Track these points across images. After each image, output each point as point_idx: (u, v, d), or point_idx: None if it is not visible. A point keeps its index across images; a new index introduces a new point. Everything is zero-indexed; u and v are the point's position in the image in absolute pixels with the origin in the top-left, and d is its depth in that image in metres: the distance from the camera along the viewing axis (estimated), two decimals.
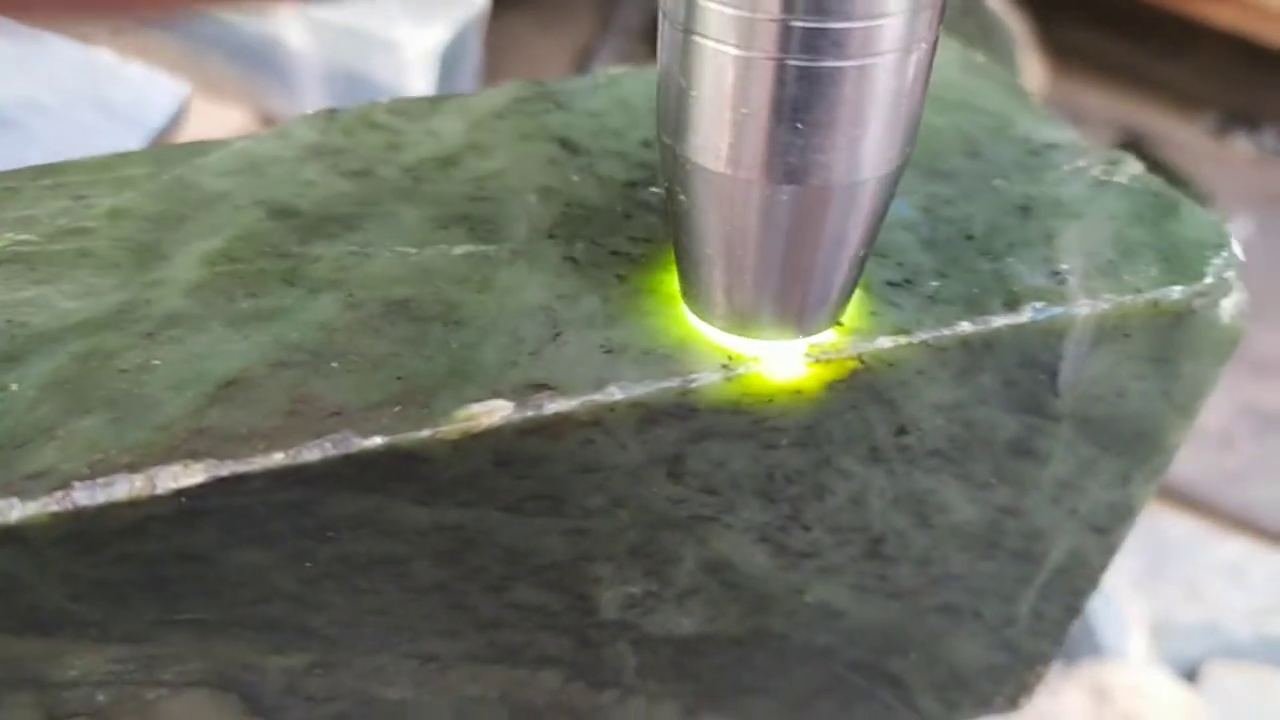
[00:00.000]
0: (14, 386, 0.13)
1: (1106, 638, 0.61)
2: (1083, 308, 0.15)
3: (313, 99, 0.54)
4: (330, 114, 0.19)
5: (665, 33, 0.12)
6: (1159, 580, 0.72)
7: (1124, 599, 0.65)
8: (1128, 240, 0.16)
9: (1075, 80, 1.29)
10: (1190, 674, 0.59)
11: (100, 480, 0.12)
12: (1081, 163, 0.18)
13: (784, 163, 0.12)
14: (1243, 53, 1.14)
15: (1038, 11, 1.19)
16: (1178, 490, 0.81)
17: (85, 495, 0.12)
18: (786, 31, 0.11)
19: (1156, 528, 0.77)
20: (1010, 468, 0.17)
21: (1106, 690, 0.49)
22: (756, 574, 0.17)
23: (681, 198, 0.13)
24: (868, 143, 0.12)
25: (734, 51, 0.11)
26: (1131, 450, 0.18)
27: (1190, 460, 0.85)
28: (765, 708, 0.19)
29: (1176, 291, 0.16)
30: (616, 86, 0.20)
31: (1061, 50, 1.26)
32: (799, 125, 0.12)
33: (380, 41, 0.51)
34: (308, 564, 0.14)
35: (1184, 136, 1.25)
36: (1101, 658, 0.54)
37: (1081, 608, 0.21)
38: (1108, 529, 0.19)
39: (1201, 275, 0.16)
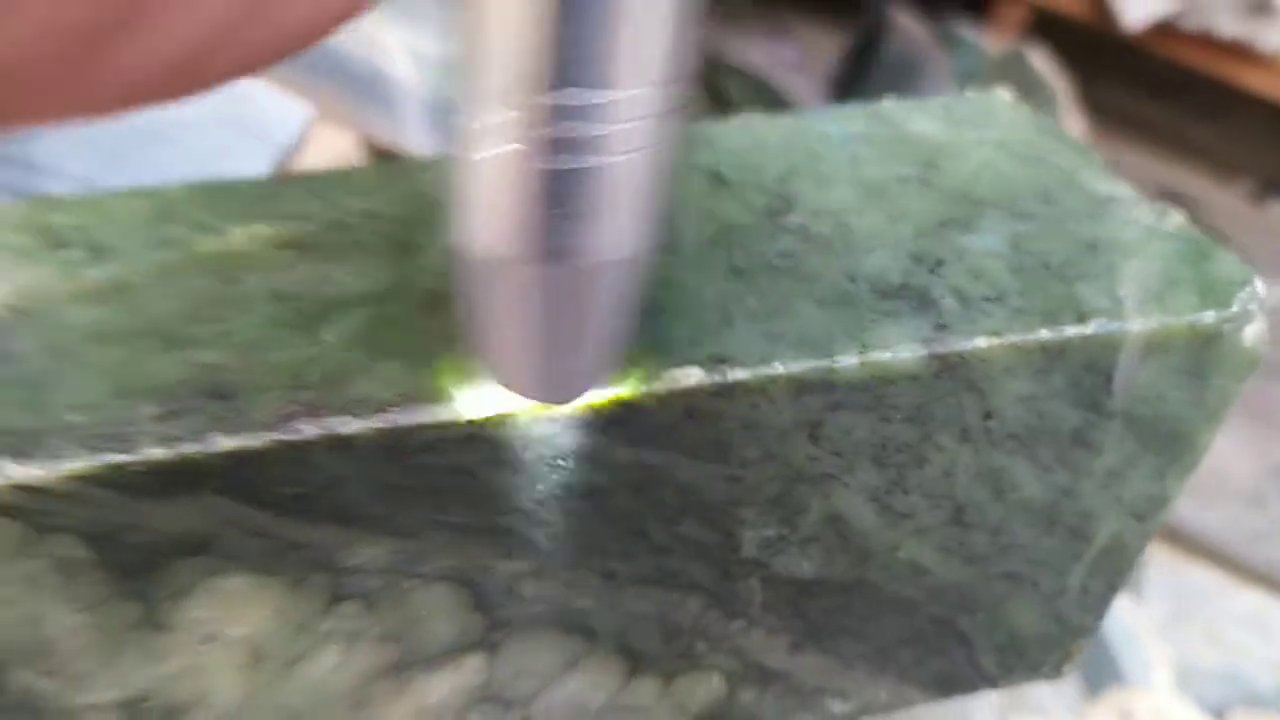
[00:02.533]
0: (328, 338, 0.18)
1: (1132, 673, 0.63)
2: (1136, 325, 0.19)
3: (414, 125, 0.59)
4: None
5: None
6: (1182, 625, 0.75)
7: (1149, 640, 0.67)
8: (1173, 275, 0.21)
9: (1115, 141, 1.33)
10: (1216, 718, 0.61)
11: (407, 407, 0.17)
12: (1136, 212, 0.22)
13: (533, 245, 0.13)
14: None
15: (1080, 72, 1.24)
16: (1205, 544, 0.84)
17: (398, 418, 0.16)
18: (532, 131, 0.13)
19: (1181, 577, 0.80)
20: (1070, 455, 0.21)
21: (1132, 714, 0.52)
22: (863, 529, 0.21)
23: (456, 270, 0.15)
24: (610, 229, 0.14)
25: (486, 150, 0.13)
26: (1168, 449, 0.22)
27: (1219, 516, 0.88)
28: (856, 650, 0.23)
29: (1209, 316, 0.20)
30: (752, 128, 0.25)
31: (1102, 111, 1.31)
32: (548, 213, 0.13)
33: None
34: (539, 486, 0.18)
35: (1221, 200, 1.28)
36: (1127, 687, 0.57)
37: (1120, 587, 0.24)
38: (1145, 516, 0.23)
39: (1229, 304, 0.20)
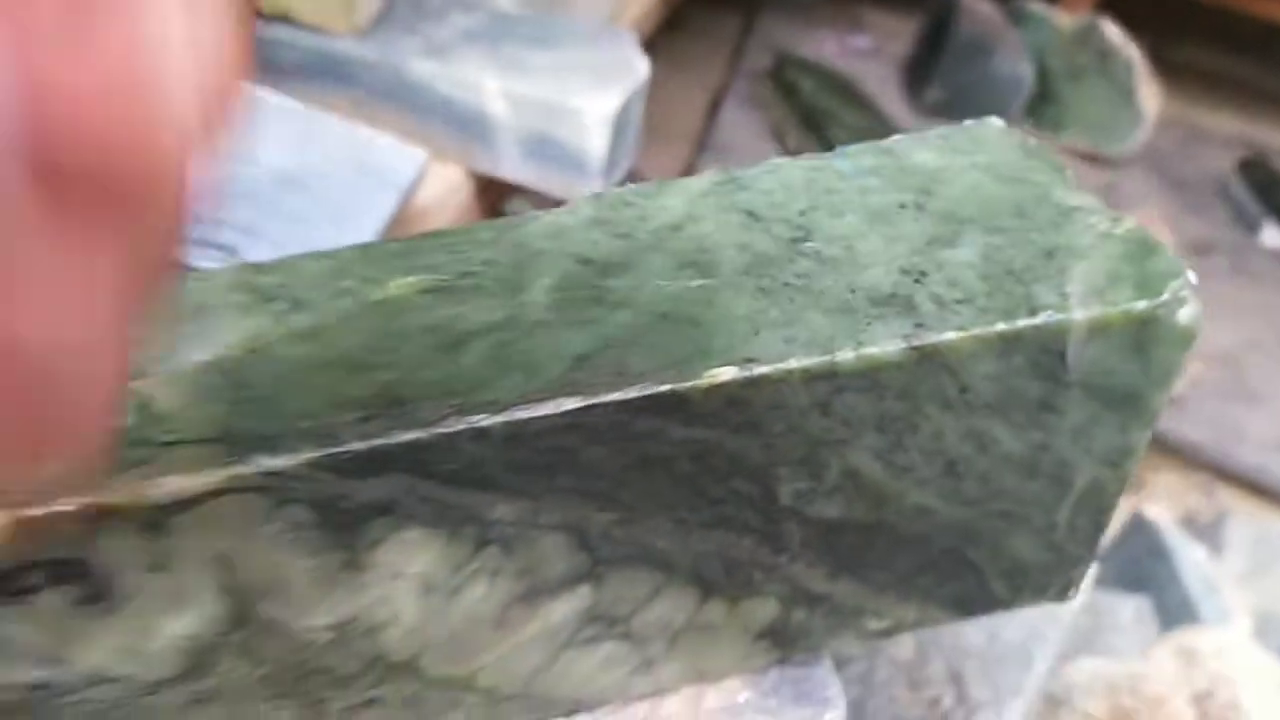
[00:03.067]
0: (466, 360, 0.25)
1: (1210, 622, 0.66)
2: (1079, 315, 0.25)
3: (510, 157, 0.66)
4: (598, 196, 0.31)
5: None
6: (1262, 576, 0.77)
7: (1228, 590, 0.70)
8: (1116, 272, 0.26)
9: (1193, 100, 1.32)
10: None
11: (524, 406, 0.23)
12: (1094, 220, 0.28)
13: None
14: None
15: (1155, 35, 1.23)
16: None
17: (518, 413, 0.23)
18: None
19: (1263, 527, 0.82)
20: (1039, 417, 0.26)
21: (1195, 653, 0.56)
22: (874, 480, 0.27)
23: None
24: None
25: None
26: (1124, 408, 0.27)
27: None
28: (883, 578, 0.29)
29: (1142, 304, 0.25)
30: (779, 171, 0.31)
31: (1179, 71, 1.30)
32: None
33: (565, 110, 0.64)
34: (621, 458, 0.25)
35: None
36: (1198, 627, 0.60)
37: (1106, 523, 0.30)
38: (1117, 463, 0.28)
39: (1162, 293, 0.25)
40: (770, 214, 0.29)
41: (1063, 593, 0.31)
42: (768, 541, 0.27)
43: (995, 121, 0.33)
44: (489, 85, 0.65)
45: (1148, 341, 0.26)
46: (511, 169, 0.67)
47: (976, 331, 0.25)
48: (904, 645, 0.53)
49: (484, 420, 0.23)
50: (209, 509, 0.23)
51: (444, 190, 0.66)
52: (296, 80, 0.66)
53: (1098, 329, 0.25)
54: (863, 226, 0.28)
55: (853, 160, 0.31)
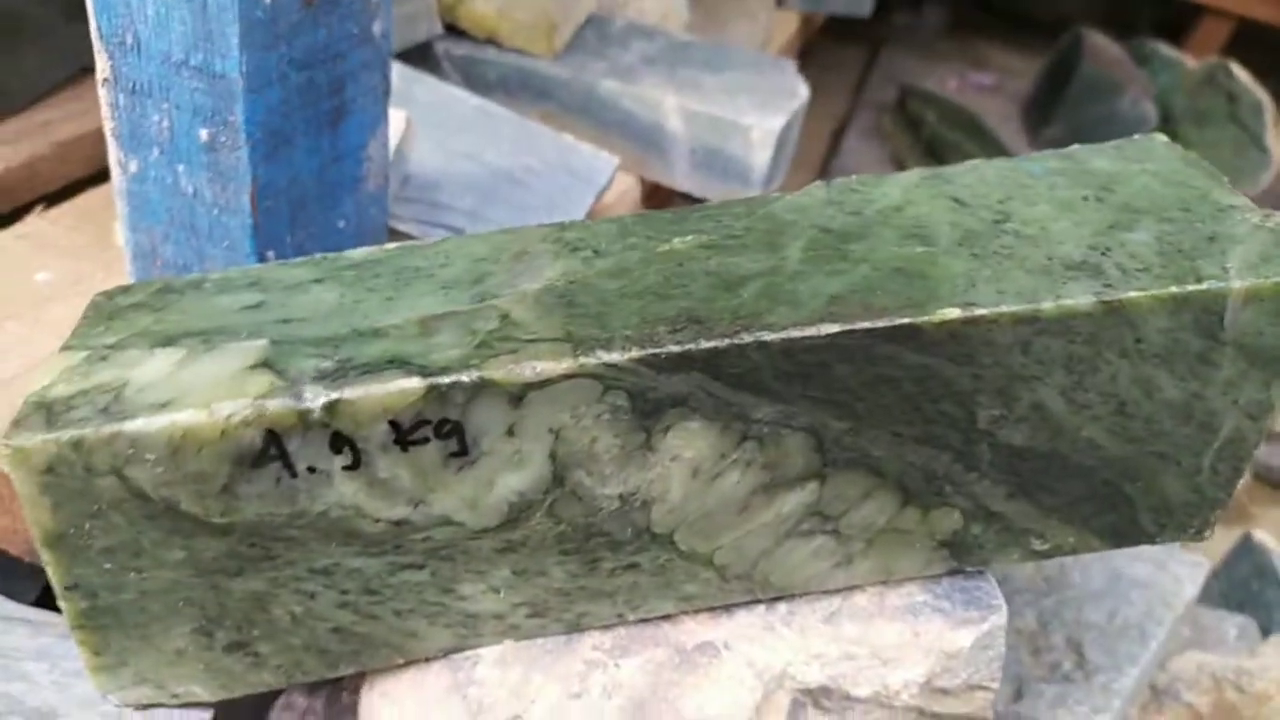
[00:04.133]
0: (744, 294, 0.32)
1: None
2: (1237, 284, 0.31)
3: (681, 167, 0.74)
4: (828, 184, 0.38)
5: None
6: None
7: None
8: (1268, 254, 0.32)
9: None
10: None
11: (792, 329, 0.31)
12: (1248, 215, 0.34)
13: None
14: None
15: None
16: None
17: (787, 334, 0.31)
18: None
19: None
20: (1197, 369, 0.33)
21: None
22: (1057, 413, 0.33)
23: None
24: None
25: None
26: (1269, 367, 0.33)
27: None
28: (1052, 501, 0.36)
29: None
30: (978, 170, 0.38)
31: None
32: None
33: (735, 126, 0.72)
34: (865, 375, 0.32)
35: None
36: None
37: (1243, 470, 0.35)
38: (1257, 417, 0.34)
39: None
40: (974, 202, 0.36)
41: (1200, 532, 0.37)
42: (962, 459, 0.34)
43: (1160, 137, 0.39)
44: (667, 102, 0.74)
45: None
46: (682, 178, 0.75)
47: (1154, 292, 0.31)
48: (1027, 618, 0.58)
49: (766, 335, 0.31)
50: (556, 390, 0.31)
51: (620, 192, 0.74)
52: (500, 93, 0.76)
53: (1252, 296, 0.31)
54: (1053, 213, 0.35)
55: (1039, 163, 0.38)
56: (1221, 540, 0.90)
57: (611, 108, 0.75)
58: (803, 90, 0.76)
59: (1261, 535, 0.83)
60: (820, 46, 1.47)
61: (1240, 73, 1.25)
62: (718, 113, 0.73)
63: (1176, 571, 0.61)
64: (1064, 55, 1.36)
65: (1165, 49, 1.32)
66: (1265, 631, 0.76)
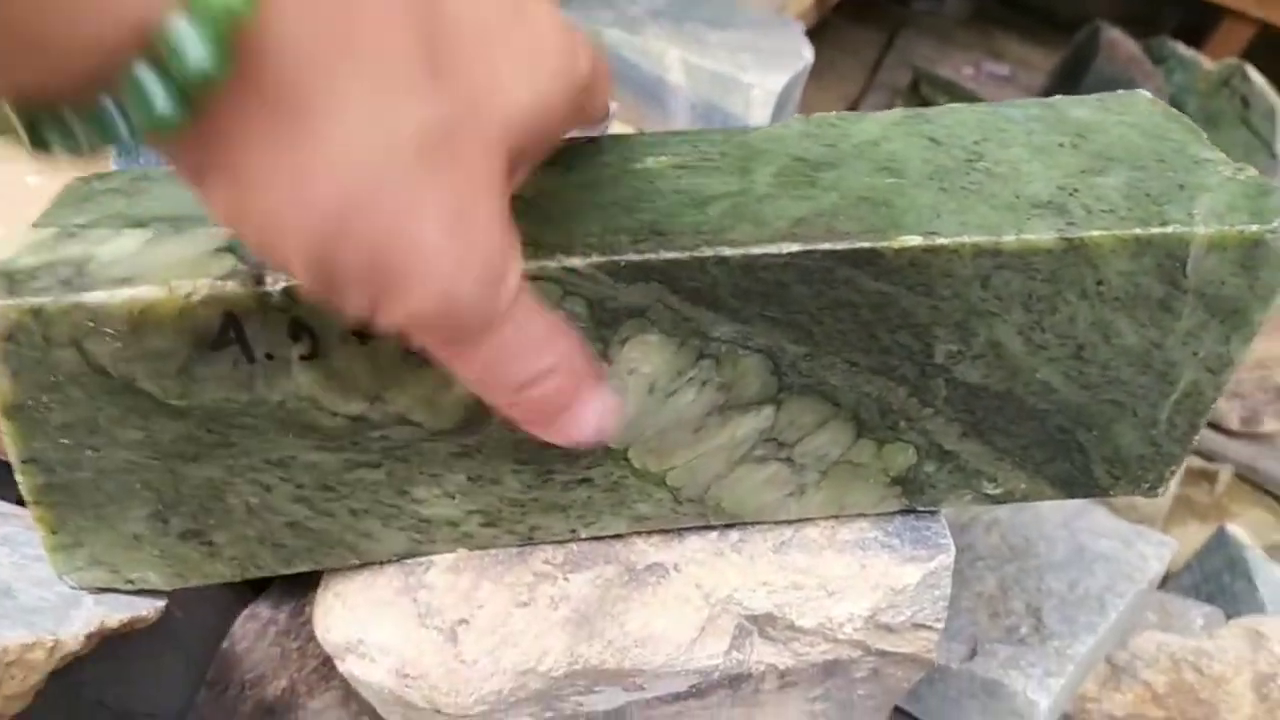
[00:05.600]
0: (710, 213, 0.32)
1: (1274, 606, 0.70)
2: (1201, 230, 0.31)
3: (680, 120, 0.74)
4: (807, 117, 0.38)
5: None
6: None
7: None
8: (1235, 204, 0.32)
9: None
10: None
11: (752, 246, 0.31)
12: (1221, 168, 0.34)
13: None
14: None
15: None
16: None
17: (747, 250, 0.31)
18: None
19: None
20: (1158, 316, 0.33)
21: (1262, 636, 0.60)
22: (1013, 353, 0.33)
23: None
24: None
25: None
26: (1229, 320, 0.33)
27: None
28: (1005, 444, 0.36)
29: (1254, 228, 0.31)
30: (958, 113, 0.38)
31: None
32: None
33: (736, 83, 0.71)
34: (820, 297, 0.32)
35: None
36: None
37: (1200, 425, 0.36)
38: (1216, 371, 0.34)
39: (1271, 222, 0.31)
40: (950, 141, 0.36)
41: (1154, 487, 0.37)
42: (918, 394, 0.34)
43: (1143, 93, 0.39)
44: (670, 55, 0.73)
45: (1256, 262, 0.32)
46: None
47: (1116, 232, 0.31)
48: (988, 582, 0.58)
49: (727, 250, 0.31)
50: None
51: None
52: None
53: (1215, 244, 0.31)
54: (1026, 156, 0.35)
55: (1020, 109, 0.38)
56: (1198, 535, 0.90)
57: (613, 58, 0.74)
58: (807, 53, 0.76)
59: (1235, 529, 0.83)
60: (837, 27, 1.46)
61: (1256, 77, 1.24)
62: (719, 69, 0.72)
63: (1143, 550, 0.61)
64: (1080, 50, 1.35)
65: (1183, 49, 1.31)
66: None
